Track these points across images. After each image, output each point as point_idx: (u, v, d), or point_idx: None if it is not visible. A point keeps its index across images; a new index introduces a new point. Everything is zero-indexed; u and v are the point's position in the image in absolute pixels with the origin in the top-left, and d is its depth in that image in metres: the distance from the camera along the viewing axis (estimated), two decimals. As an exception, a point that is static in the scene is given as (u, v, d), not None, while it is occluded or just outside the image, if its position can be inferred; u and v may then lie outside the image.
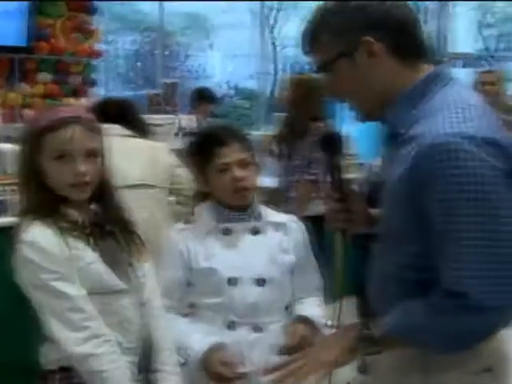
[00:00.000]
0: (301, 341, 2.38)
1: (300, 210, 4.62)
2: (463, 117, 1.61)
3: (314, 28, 1.80)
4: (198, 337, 2.37)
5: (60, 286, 1.98)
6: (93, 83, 7.40)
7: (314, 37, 1.81)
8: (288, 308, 2.52)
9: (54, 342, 2.05)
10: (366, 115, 1.87)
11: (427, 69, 1.78)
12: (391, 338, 1.71)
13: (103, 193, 2.17)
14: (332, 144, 2.00)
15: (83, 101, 6.92)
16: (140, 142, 3.70)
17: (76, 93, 7.05)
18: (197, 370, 2.32)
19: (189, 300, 2.51)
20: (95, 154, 2.12)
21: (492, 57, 11.19)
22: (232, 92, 19.74)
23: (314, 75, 5.27)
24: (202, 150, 2.49)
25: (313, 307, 2.54)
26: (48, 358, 2.12)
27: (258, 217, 2.51)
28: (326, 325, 2.48)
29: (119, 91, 17.09)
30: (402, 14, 1.76)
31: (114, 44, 16.27)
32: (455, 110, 1.64)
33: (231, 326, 2.41)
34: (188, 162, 4.38)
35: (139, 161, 3.54)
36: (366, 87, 1.78)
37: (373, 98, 1.79)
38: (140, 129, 3.78)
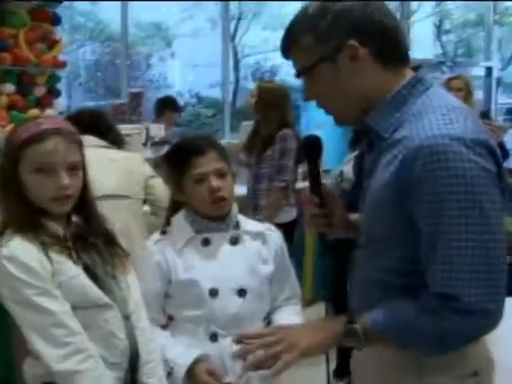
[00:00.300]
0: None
1: (270, 218, 4.65)
2: (449, 119, 1.62)
3: (296, 32, 1.78)
4: (180, 350, 2.34)
5: (42, 301, 1.95)
6: (57, 94, 7.34)
7: (295, 41, 1.79)
8: (266, 318, 2.51)
9: (37, 358, 2.02)
10: (344, 120, 1.86)
11: (408, 74, 1.78)
12: (376, 335, 1.71)
13: (84, 205, 2.15)
14: (312, 149, 2.00)
15: (48, 112, 6.87)
16: (114, 153, 3.68)
17: (40, 104, 6.98)
18: (182, 383, 2.29)
19: (167, 312, 2.48)
20: (77, 167, 2.09)
21: (454, 62, 11.33)
22: (194, 101, 19.70)
23: (280, 83, 5.34)
24: (177, 159, 2.46)
25: (290, 316, 2.51)
26: (30, 373, 2.10)
27: (236, 226, 2.49)
28: None
29: (80, 101, 16.99)
30: (385, 18, 1.75)
31: (74, 54, 16.13)
32: (441, 113, 1.65)
33: (213, 337, 2.39)
34: (162, 171, 4.40)
35: (114, 171, 3.52)
36: (346, 92, 1.76)
37: (353, 103, 1.78)
38: (114, 139, 3.77)
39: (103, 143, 3.61)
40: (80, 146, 2.12)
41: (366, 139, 1.92)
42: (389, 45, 1.75)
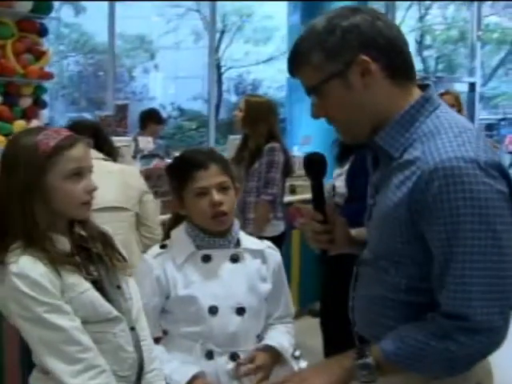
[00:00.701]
0: (256, 369, 2.37)
1: (258, 231, 4.65)
2: (462, 140, 1.62)
3: (305, 49, 1.76)
4: (175, 365, 2.31)
5: (53, 318, 1.92)
6: (43, 105, 7.31)
7: (304, 58, 1.77)
8: (259, 335, 2.48)
9: (45, 372, 2.00)
10: (353, 137, 1.84)
11: (416, 92, 1.78)
12: (389, 365, 1.71)
13: None
14: (316, 166, 1.99)
15: (34, 122, 6.84)
16: (111, 165, 3.67)
17: (26, 115, 6.96)
18: None
19: (162, 327, 2.45)
20: (91, 171, 2.10)
21: (437, 78, 11.42)
22: (176, 113, 19.70)
23: (263, 96, 5.35)
24: (179, 172, 2.44)
25: (283, 335, 2.50)
26: None
27: (237, 244, 2.46)
28: (293, 355, 2.47)
29: (62, 113, 16.96)
30: (393, 34, 1.74)
31: (57, 65, 16.10)
32: (453, 134, 1.65)
33: (209, 355, 2.35)
34: (151, 184, 4.40)
35: (112, 184, 3.51)
36: (357, 108, 1.74)
37: (363, 120, 1.76)
38: (109, 151, 3.77)
39: (101, 155, 3.60)
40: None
41: (369, 156, 1.93)
42: (397, 60, 1.74)
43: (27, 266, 1.94)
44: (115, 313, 2.05)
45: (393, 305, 1.78)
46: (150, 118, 7.15)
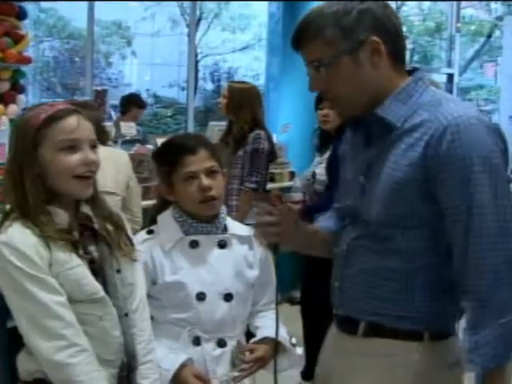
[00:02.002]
0: (256, 361, 2.38)
1: (241, 218, 4.65)
2: (466, 105, 1.85)
3: (320, 24, 1.85)
4: (163, 352, 2.30)
5: (37, 291, 1.91)
6: (22, 90, 7.23)
7: (318, 32, 1.85)
8: (244, 322, 2.49)
9: (30, 353, 1.99)
10: (351, 110, 1.94)
11: (405, 73, 1.92)
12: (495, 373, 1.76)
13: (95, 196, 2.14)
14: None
15: (12, 107, 6.77)
16: (102, 149, 3.64)
17: (4, 99, 6.88)
18: None
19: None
20: (96, 146, 2.08)
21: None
22: (151, 100, 19.61)
23: (248, 83, 5.34)
24: (168, 157, 2.44)
25: (273, 321, 2.40)
26: (23, 368, 2.06)
27: (225, 229, 2.47)
28: (291, 343, 2.47)
29: (38, 98, 16.82)
30: (398, 22, 1.91)
31: (33, 50, 15.96)
32: (457, 101, 1.87)
33: (196, 341, 2.35)
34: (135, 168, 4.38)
35: (102, 168, 3.49)
36: (361, 85, 1.87)
37: (363, 96, 1.88)
38: (100, 135, 3.74)
39: None
40: (93, 126, 2.10)
41: (359, 135, 2.00)
42: (399, 45, 1.90)
43: (16, 235, 1.94)
44: (102, 293, 2.02)
45: (395, 275, 1.86)
46: (132, 102, 7.13)
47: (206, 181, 2.36)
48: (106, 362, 2.04)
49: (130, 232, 2.23)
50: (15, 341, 2.04)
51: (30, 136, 1.98)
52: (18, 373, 2.08)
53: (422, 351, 1.89)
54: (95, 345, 2.01)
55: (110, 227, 2.13)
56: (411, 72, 1.94)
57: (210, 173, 2.39)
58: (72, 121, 2.00)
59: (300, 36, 1.90)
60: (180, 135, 2.66)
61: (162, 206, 2.51)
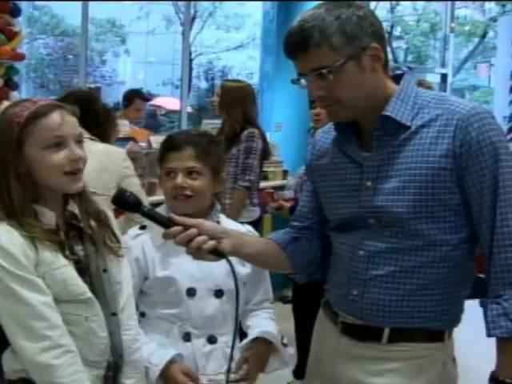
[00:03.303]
0: (255, 360, 2.35)
1: (234, 216, 4.64)
2: (467, 100, 1.91)
3: (325, 31, 1.84)
4: (153, 347, 2.29)
5: (22, 291, 1.87)
6: (15, 86, 7.22)
7: (323, 39, 1.84)
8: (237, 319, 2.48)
9: (15, 351, 1.95)
10: (348, 116, 1.95)
11: (389, 79, 1.96)
12: None
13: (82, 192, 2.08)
14: (123, 203, 1.97)
15: (5, 104, 6.75)
16: (95, 146, 3.51)
17: (-3, 96, 6.86)
18: (156, 382, 2.24)
19: (139, 309, 2.40)
20: (81, 141, 2.03)
21: (409, 68, 11.46)
22: (145, 98, 19.56)
23: (243, 81, 5.34)
24: (160, 151, 2.47)
25: (267, 321, 2.48)
26: (8, 367, 2.02)
27: None
28: (282, 343, 2.43)
29: (31, 96, 16.79)
30: (383, 28, 1.96)
31: (26, 48, 15.93)
32: (454, 96, 1.96)
33: (186, 336, 2.34)
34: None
35: (87, 167, 3.33)
36: (363, 90, 1.89)
37: (363, 100, 1.90)
38: (100, 129, 3.65)
39: (87, 135, 3.33)
40: (78, 118, 2.04)
41: (352, 141, 1.99)
42: (386, 51, 1.93)
43: (1, 235, 1.90)
44: (89, 295, 1.99)
45: (421, 272, 1.88)
46: (136, 94, 7.12)
47: (180, 179, 2.34)
48: (91, 363, 2.00)
49: (117, 230, 2.19)
50: (1, 339, 1.99)
51: (13, 135, 1.93)
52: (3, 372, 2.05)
53: (444, 351, 1.94)
54: (80, 345, 1.97)
55: (94, 224, 2.09)
56: (395, 76, 1.98)
57: (191, 173, 2.37)
58: (56, 117, 1.95)
59: (300, 44, 1.87)
60: (181, 131, 2.64)
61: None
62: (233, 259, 2.33)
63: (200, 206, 2.40)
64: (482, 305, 1.84)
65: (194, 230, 1.91)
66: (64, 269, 1.95)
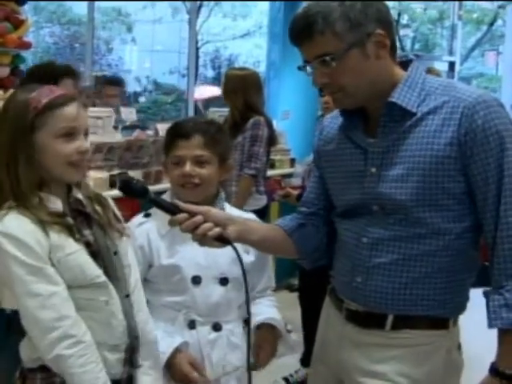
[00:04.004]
0: (267, 346, 2.38)
1: (239, 205, 4.63)
2: (474, 86, 1.91)
3: (328, 18, 1.84)
4: (160, 335, 2.27)
5: (32, 281, 1.87)
6: (21, 75, 7.20)
7: (326, 26, 1.84)
8: (240, 306, 2.43)
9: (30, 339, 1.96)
10: (353, 104, 1.95)
11: (396, 64, 1.95)
12: None
13: None
14: (130, 189, 1.99)
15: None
16: None
17: (4, 84, 6.84)
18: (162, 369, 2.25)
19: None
20: (87, 133, 2.04)
21: (416, 56, 11.44)
22: (151, 87, 19.60)
23: (249, 69, 5.33)
24: (166, 138, 2.45)
25: (270, 309, 2.49)
26: (26, 355, 2.02)
27: None
28: (286, 329, 2.47)
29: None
30: (391, 16, 1.93)
31: (33, 36, 15.93)
32: (462, 84, 1.95)
33: (191, 324, 2.34)
34: (131, 155, 4.36)
35: None
36: (367, 77, 1.88)
37: (368, 87, 1.89)
38: None
39: None
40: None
41: (358, 128, 1.99)
42: (394, 38, 1.91)
43: (12, 223, 1.90)
44: (103, 278, 1.99)
45: (425, 259, 1.88)
46: (107, 82, 6.96)
47: (189, 167, 2.34)
48: (112, 347, 2.01)
49: (116, 210, 2.19)
50: (19, 328, 1.99)
51: (28, 119, 1.93)
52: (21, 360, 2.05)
53: (448, 338, 1.94)
54: (101, 331, 1.98)
55: (98, 208, 2.10)
56: (403, 63, 1.97)
57: (198, 161, 2.36)
58: (72, 109, 1.96)
59: (304, 30, 1.87)
60: (188, 118, 2.62)
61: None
62: (238, 246, 2.32)
63: (206, 194, 2.40)
64: (485, 295, 1.83)
65: (199, 217, 1.91)
66: (78, 253, 1.95)
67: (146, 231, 2.39)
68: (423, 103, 1.88)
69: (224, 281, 2.36)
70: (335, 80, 1.88)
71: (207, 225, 1.92)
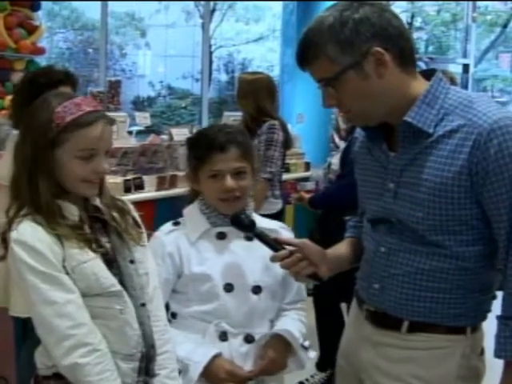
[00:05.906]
0: (269, 364, 2.29)
1: (255, 209, 4.61)
2: (496, 105, 1.80)
3: (319, 42, 1.81)
4: (191, 346, 2.23)
5: (46, 289, 1.86)
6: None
7: (319, 51, 1.82)
8: (272, 320, 2.39)
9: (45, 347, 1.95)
10: (367, 122, 1.93)
11: (419, 76, 1.88)
12: None
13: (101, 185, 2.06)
14: (241, 222, 2.20)
15: (26, 98, 6.76)
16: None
17: (18, 90, 6.87)
18: (198, 380, 2.19)
19: (170, 309, 2.35)
20: (109, 151, 2.00)
21: (430, 58, 11.40)
22: (165, 91, 19.64)
23: (260, 73, 5.32)
24: (198, 151, 2.36)
25: (294, 323, 2.39)
26: (41, 363, 2.00)
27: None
28: (302, 346, 2.36)
29: (52, 90, 16.85)
30: (400, 23, 1.84)
31: (47, 42, 16.00)
32: (486, 100, 1.83)
33: (223, 336, 2.28)
34: (146, 160, 4.34)
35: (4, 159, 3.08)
36: (372, 97, 1.82)
37: (377, 107, 1.85)
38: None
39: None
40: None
41: (377, 140, 1.97)
42: (406, 47, 1.83)
43: (27, 231, 1.89)
44: (118, 286, 1.97)
45: (441, 276, 1.87)
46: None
47: (230, 182, 2.28)
48: (126, 357, 1.99)
49: (136, 215, 2.17)
50: (34, 335, 1.99)
51: (50, 135, 1.90)
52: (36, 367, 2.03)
53: (465, 344, 1.91)
54: (116, 339, 1.96)
55: (116, 215, 2.08)
56: (427, 72, 1.90)
57: (238, 173, 2.31)
58: (96, 130, 1.91)
59: (302, 56, 1.87)
60: (217, 126, 2.53)
61: (194, 195, 2.43)
62: (269, 255, 2.27)
63: (244, 205, 2.37)
64: (498, 321, 1.81)
65: (298, 255, 2.02)
66: (93, 261, 1.93)
67: (175, 239, 2.34)
68: (441, 123, 1.81)
69: (257, 289, 2.31)
70: (340, 102, 1.86)
71: (303, 264, 2.02)
